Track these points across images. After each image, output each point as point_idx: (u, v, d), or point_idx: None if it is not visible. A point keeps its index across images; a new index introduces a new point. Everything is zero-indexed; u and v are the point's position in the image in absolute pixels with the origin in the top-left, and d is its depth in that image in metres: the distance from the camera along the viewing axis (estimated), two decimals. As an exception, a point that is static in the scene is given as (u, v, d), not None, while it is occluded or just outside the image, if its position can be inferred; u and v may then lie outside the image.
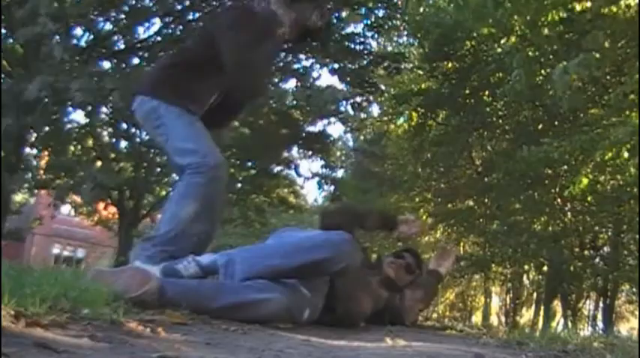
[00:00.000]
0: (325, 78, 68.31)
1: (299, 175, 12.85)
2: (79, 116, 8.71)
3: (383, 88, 10.08)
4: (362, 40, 8.84)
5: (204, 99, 2.53)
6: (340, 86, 9.80)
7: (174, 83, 2.47)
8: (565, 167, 7.87)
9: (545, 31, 5.74)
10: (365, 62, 9.08)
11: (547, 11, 5.49)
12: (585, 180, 6.63)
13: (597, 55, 4.77)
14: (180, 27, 8.81)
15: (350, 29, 9.08)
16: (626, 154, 5.81)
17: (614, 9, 5.71)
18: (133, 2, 8.43)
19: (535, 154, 6.77)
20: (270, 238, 2.45)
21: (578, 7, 5.73)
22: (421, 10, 9.37)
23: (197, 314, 1.91)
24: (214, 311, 1.95)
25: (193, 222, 2.33)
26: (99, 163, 11.41)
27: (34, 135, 9.06)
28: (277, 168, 12.56)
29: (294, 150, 12.29)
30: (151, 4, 8.40)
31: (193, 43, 2.71)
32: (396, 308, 2.65)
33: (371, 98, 10.21)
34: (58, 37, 6.83)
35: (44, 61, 6.85)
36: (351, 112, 10.55)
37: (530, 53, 6.83)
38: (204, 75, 2.47)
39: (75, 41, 8.23)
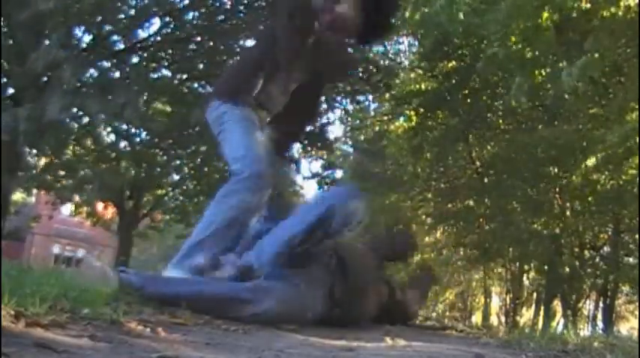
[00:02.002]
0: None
1: (299, 172, 12.84)
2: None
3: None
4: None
5: (271, 93, 2.56)
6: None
7: (238, 82, 2.54)
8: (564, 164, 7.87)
9: (545, 33, 5.72)
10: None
11: (542, 15, 5.46)
12: (589, 163, 6.58)
13: (596, 56, 4.78)
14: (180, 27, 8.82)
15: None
16: (620, 152, 5.81)
17: (613, 9, 5.70)
18: (133, 3, 8.43)
19: (535, 140, 6.76)
20: None
21: (576, 9, 5.71)
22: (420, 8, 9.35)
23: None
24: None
25: (229, 228, 2.34)
26: (102, 165, 11.42)
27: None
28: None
29: (295, 149, 12.28)
30: (151, 4, 8.39)
31: (256, 39, 2.81)
32: (399, 304, 2.66)
33: (371, 98, 10.20)
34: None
35: (54, 80, 6.87)
36: (351, 109, 10.55)
37: (529, 54, 6.80)
38: (267, 69, 2.50)
39: (75, 42, 8.23)
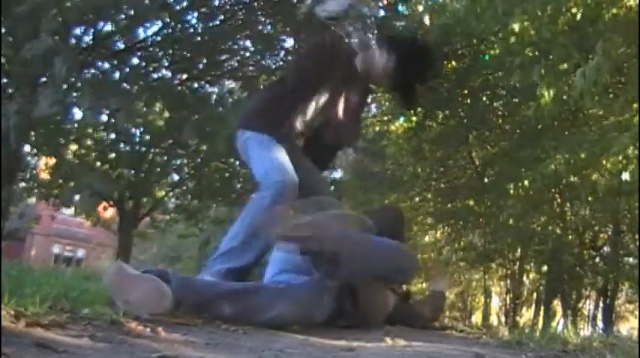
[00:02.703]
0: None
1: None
2: (77, 116, 8.71)
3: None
4: None
5: (290, 123, 2.79)
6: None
7: (261, 113, 2.81)
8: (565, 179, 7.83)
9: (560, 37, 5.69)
10: None
11: (548, 18, 5.45)
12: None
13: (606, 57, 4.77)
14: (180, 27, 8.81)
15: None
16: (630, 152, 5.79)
17: (615, 10, 5.70)
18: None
19: (534, 173, 6.73)
20: None
21: (579, 14, 5.70)
22: (420, 8, 9.34)
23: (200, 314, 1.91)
24: (228, 317, 1.94)
25: (253, 238, 2.50)
26: (97, 165, 11.38)
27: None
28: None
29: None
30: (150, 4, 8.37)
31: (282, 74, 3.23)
32: (406, 315, 2.65)
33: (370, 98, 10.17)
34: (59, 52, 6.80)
35: (49, 78, 6.85)
36: None
37: (529, 53, 6.78)
38: (288, 101, 2.75)
39: (75, 41, 8.19)
